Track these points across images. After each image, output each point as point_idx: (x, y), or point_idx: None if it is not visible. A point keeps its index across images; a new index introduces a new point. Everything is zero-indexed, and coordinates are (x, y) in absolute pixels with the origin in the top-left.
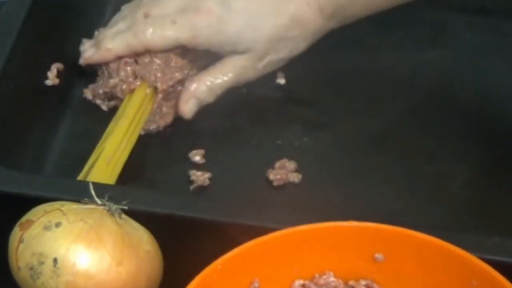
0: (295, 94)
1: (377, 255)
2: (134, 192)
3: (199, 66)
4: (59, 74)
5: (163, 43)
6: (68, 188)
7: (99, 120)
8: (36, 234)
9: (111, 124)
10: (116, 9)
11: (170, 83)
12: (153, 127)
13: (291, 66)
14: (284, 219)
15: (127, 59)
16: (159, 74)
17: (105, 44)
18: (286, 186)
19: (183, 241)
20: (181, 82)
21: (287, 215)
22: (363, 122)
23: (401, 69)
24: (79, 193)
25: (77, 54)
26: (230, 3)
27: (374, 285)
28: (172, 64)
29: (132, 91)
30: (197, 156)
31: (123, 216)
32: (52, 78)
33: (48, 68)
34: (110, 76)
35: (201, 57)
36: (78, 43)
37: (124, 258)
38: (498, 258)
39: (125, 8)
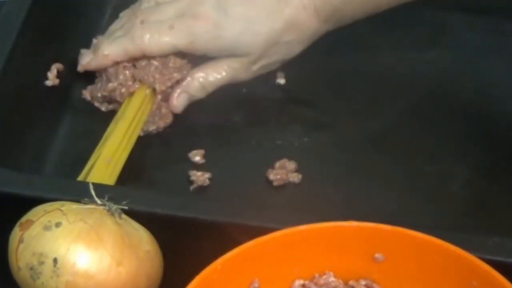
0: (295, 94)
1: (377, 255)
2: (134, 192)
3: (199, 66)
4: (59, 74)
5: (160, 48)
6: (68, 188)
7: (99, 120)
8: (36, 234)
9: (111, 125)
10: (116, 10)
11: (169, 83)
12: (152, 128)
13: (291, 66)
14: (284, 219)
15: (125, 63)
16: (157, 76)
17: (103, 50)
18: (286, 186)
19: (183, 241)
20: (180, 82)
21: (287, 215)
22: (363, 122)
23: (401, 69)
24: (79, 193)
25: (77, 54)
26: (227, 9)
27: (374, 285)
28: (171, 64)
29: (131, 94)
30: (197, 156)
31: (123, 216)
32: (52, 78)
33: (48, 68)
34: (108, 80)
35: (199, 57)
36: (78, 43)
37: (124, 258)
38: (498, 258)
39: (123, 16)
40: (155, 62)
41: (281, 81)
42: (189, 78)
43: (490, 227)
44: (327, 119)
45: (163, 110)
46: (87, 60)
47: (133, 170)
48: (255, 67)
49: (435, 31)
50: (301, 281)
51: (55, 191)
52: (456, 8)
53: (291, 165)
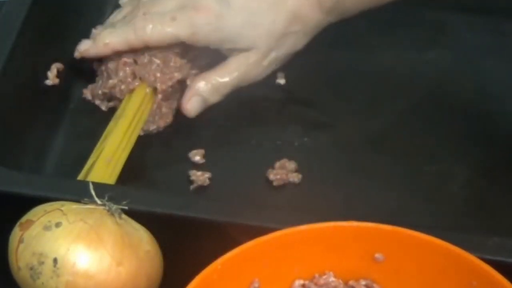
0: (295, 94)
1: (377, 255)
2: (134, 192)
3: (199, 65)
4: (59, 74)
5: (162, 39)
6: (68, 188)
7: (99, 120)
8: (36, 234)
9: (111, 124)
10: (116, 10)
11: (170, 83)
12: (152, 127)
13: (291, 66)
14: (284, 219)
15: (126, 59)
16: (158, 74)
17: (103, 39)
18: (286, 186)
19: (183, 241)
20: (181, 82)
21: (287, 215)
22: (363, 122)
23: (401, 69)
24: (79, 193)
25: None
26: (229, 1)
27: (374, 285)
28: (172, 64)
29: (131, 91)
30: (197, 156)
31: (123, 216)
32: (52, 78)
33: (48, 68)
34: (109, 77)
35: (201, 56)
36: (78, 43)
37: (124, 258)
38: (498, 258)
39: (124, 6)
40: (156, 60)
41: (281, 81)
42: (202, 82)
43: (490, 227)
44: (327, 119)
45: (163, 110)
46: (85, 46)
47: (133, 170)
48: (265, 62)
49: (435, 31)
50: (301, 281)
51: (55, 191)
52: (456, 8)
53: (291, 165)
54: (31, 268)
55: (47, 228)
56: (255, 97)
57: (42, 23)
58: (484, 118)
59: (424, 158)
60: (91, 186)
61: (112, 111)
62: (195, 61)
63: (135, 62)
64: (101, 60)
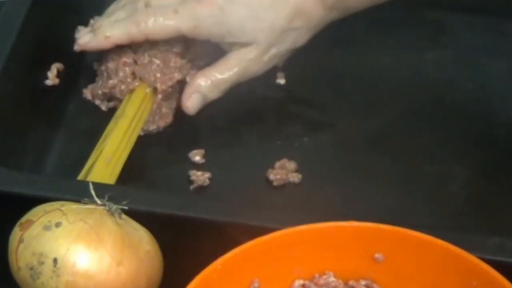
0: (295, 94)
1: (377, 255)
2: (134, 192)
3: (199, 66)
4: (59, 74)
5: (164, 32)
6: (68, 188)
7: (99, 120)
8: (36, 234)
9: (111, 124)
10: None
11: (170, 83)
12: (153, 127)
13: (291, 66)
14: (284, 219)
15: (126, 59)
16: (158, 75)
17: (104, 32)
18: (286, 186)
19: (183, 241)
20: (181, 82)
21: (287, 215)
22: (363, 122)
23: (401, 69)
24: (79, 193)
25: (77, 54)
26: None
27: (374, 285)
28: (172, 64)
29: (131, 91)
30: (197, 156)
31: (123, 216)
32: (52, 78)
33: (48, 68)
34: (109, 77)
35: (201, 56)
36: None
37: (124, 258)
38: (498, 258)
39: None
40: (156, 60)
41: (281, 81)
42: (201, 78)
43: (490, 227)
44: (327, 119)
45: (163, 110)
46: (85, 40)
47: (133, 170)
48: (265, 57)
49: (435, 31)
50: (301, 281)
51: (55, 191)
52: (456, 8)
53: (291, 165)
54: (31, 268)
55: (47, 228)
56: (255, 97)
57: (42, 23)
58: (484, 118)
59: (424, 158)
60: (91, 186)
61: (112, 111)
62: (195, 61)
63: (135, 62)
64: (101, 59)
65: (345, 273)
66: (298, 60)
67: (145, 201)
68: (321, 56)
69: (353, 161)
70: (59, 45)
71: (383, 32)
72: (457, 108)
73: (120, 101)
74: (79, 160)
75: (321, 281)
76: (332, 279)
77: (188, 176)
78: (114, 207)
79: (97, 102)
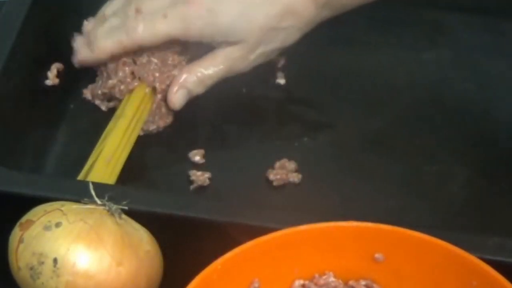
0: (295, 94)
1: (377, 255)
2: (134, 192)
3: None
4: (59, 74)
5: (156, 38)
6: (68, 188)
7: (99, 120)
8: (36, 234)
9: (110, 123)
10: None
11: (168, 82)
12: (152, 127)
13: (291, 66)
14: (284, 219)
15: (125, 59)
16: (157, 74)
17: (98, 45)
18: (286, 186)
19: (183, 241)
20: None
21: (287, 215)
22: (362, 122)
23: (400, 69)
24: (79, 193)
25: None
26: None
27: (374, 285)
28: (169, 61)
29: (130, 91)
30: (197, 156)
31: (123, 216)
32: (52, 78)
33: (48, 68)
34: (108, 77)
35: (200, 54)
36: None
37: (124, 258)
38: (498, 258)
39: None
40: (154, 60)
41: (281, 81)
42: (186, 74)
43: (490, 227)
44: (327, 119)
45: (163, 110)
46: (83, 56)
47: (133, 170)
48: (252, 56)
49: (434, 31)
50: (301, 281)
51: (55, 191)
52: (454, 8)
53: (291, 165)
54: (31, 268)
55: (47, 228)
56: (255, 97)
57: (42, 23)
58: (484, 118)
59: (424, 158)
60: (91, 186)
61: (112, 111)
62: (194, 59)
63: (134, 62)
64: None
65: (345, 273)
66: (297, 60)
67: (145, 201)
68: (320, 56)
69: (353, 161)
70: (59, 45)
71: (382, 32)
72: (456, 108)
73: (120, 101)
74: (79, 160)
75: (321, 281)
76: (332, 279)
77: (188, 176)
78: (114, 207)
79: (97, 102)
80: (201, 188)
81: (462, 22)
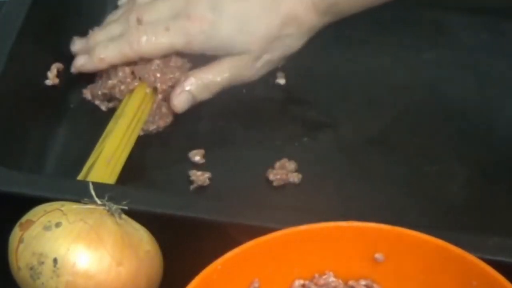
0: (295, 94)
1: (377, 255)
2: (134, 192)
3: (199, 65)
4: (59, 74)
5: (157, 51)
6: (68, 188)
7: (99, 120)
8: (36, 234)
9: (111, 123)
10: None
11: (170, 83)
12: (152, 127)
13: (291, 66)
14: (284, 219)
15: None
16: (158, 75)
17: (98, 54)
18: (286, 186)
19: (183, 241)
20: (181, 82)
21: (287, 215)
22: (363, 122)
23: (400, 69)
24: (79, 193)
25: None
26: (222, 8)
27: (374, 285)
28: (172, 63)
29: (131, 91)
30: (197, 156)
31: (123, 216)
32: (52, 78)
33: (48, 68)
34: (108, 77)
35: (201, 56)
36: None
37: (124, 258)
38: (498, 258)
39: (121, 6)
40: (156, 60)
41: (281, 81)
42: (192, 78)
43: (490, 227)
44: (327, 119)
45: (163, 110)
46: (81, 62)
47: (133, 170)
48: (258, 64)
49: (435, 31)
50: (301, 281)
51: (55, 191)
52: (454, 8)
53: (291, 165)
54: (31, 268)
55: (47, 228)
56: (255, 97)
57: (42, 23)
58: (484, 118)
59: (424, 158)
60: (91, 186)
61: (112, 111)
62: (195, 60)
63: (135, 62)
64: None
65: (345, 273)
66: (298, 60)
67: (145, 201)
68: (321, 56)
69: (353, 161)
70: (59, 45)
71: (382, 32)
72: (456, 108)
73: (120, 101)
74: (79, 160)
75: (321, 281)
76: (332, 279)
77: (188, 176)
78: (114, 207)
79: (97, 102)
80: (201, 188)
81: (462, 22)
